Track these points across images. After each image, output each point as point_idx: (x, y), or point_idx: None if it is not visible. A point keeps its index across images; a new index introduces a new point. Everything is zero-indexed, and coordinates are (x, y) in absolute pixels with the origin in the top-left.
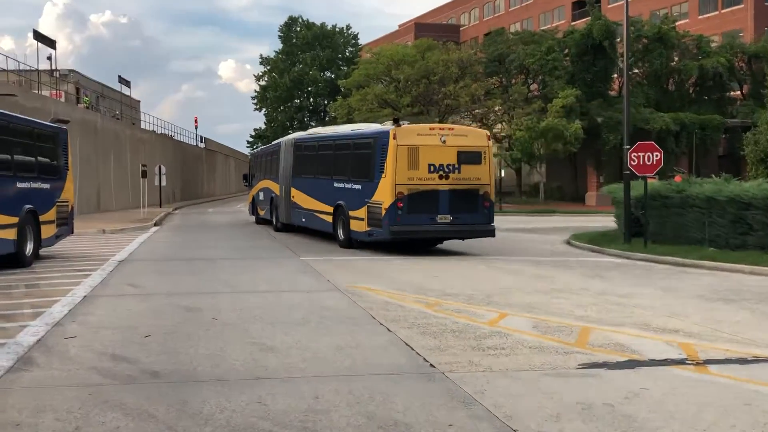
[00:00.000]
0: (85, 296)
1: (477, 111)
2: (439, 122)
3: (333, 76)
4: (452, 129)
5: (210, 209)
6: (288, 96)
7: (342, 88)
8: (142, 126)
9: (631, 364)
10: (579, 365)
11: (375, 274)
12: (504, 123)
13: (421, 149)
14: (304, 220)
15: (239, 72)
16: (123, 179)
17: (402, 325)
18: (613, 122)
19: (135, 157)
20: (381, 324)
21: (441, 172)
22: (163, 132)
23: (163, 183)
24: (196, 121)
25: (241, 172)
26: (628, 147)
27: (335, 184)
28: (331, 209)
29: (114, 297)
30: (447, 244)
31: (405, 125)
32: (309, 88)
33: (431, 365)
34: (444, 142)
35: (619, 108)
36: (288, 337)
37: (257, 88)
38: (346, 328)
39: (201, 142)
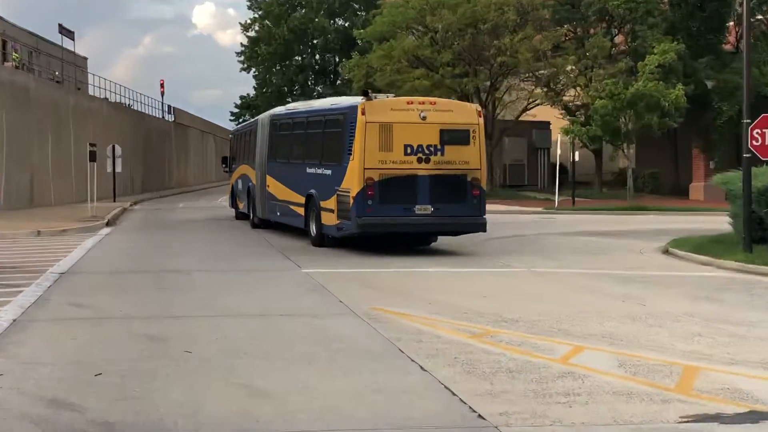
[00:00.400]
0: (14, 320)
1: (542, 72)
2: (491, 86)
3: (347, 25)
4: (434, 103)
5: (181, 203)
6: (286, 52)
7: (359, 41)
8: (91, 92)
9: (754, 417)
10: (682, 418)
11: (401, 290)
12: (579, 88)
13: (396, 127)
14: (278, 213)
15: (220, 20)
16: (65, 164)
17: (440, 361)
18: (728, 87)
19: (81, 134)
20: (412, 360)
21: (420, 155)
22: (118, 100)
23: (118, 168)
24: (162, 86)
25: (223, 154)
26: (749, 121)
27: (308, 170)
28: (303, 200)
29: (54, 322)
30: (491, 249)
31: (378, 98)
32: (314, 41)
33: (480, 416)
34: (424, 118)
35: (737, 68)
36: (287, 379)
37: (245, 42)
38: (365, 365)
39: (169, 113)
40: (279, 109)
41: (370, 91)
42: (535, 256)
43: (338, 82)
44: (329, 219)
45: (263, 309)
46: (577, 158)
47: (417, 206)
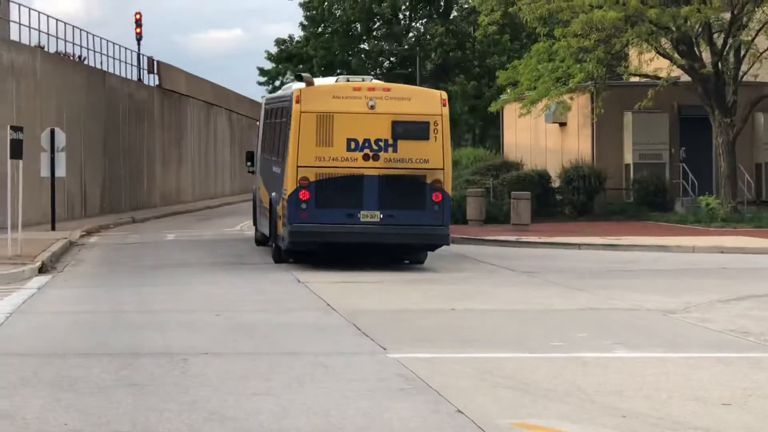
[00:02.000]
0: None
1: None
2: (732, 22)
3: None
4: (388, 90)
5: (169, 233)
6: None
7: None
8: (14, 36)
9: None
10: None
11: (554, 386)
12: None
13: (338, 118)
14: (263, 224)
15: None
16: None
17: None
18: None
19: None
20: None
21: (367, 151)
22: (61, 49)
23: (61, 172)
24: (138, 24)
25: (250, 146)
26: None
27: (273, 168)
28: (268, 205)
29: None
30: (723, 314)
31: (318, 83)
32: None
33: None
34: (373, 107)
35: None
36: None
37: None
38: None
39: (150, 71)
40: (287, 87)
41: (305, 76)
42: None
43: (453, 12)
44: (281, 228)
45: None
46: None
47: (362, 212)
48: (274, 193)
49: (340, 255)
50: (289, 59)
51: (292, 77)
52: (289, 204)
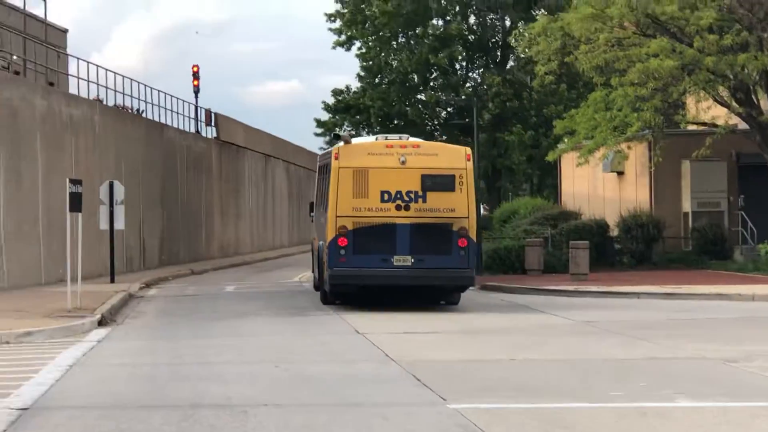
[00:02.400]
0: None
1: None
2: None
3: None
4: (417, 146)
5: (228, 285)
6: (416, 10)
7: None
8: (72, 89)
9: None
10: None
11: None
12: None
13: (373, 172)
14: (316, 270)
15: None
16: (26, 215)
17: None
18: None
19: (55, 163)
20: None
21: (399, 201)
22: (119, 102)
23: (120, 224)
24: (196, 77)
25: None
26: None
27: (321, 219)
28: (318, 252)
29: None
30: None
31: (355, 142)
32: None
33: None
34: (404, 163)
35: None
36: None
37: None
38: None
39: (209, 124)
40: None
41: (343, 133)
42: None
43: (509, 62)
44: (325, 272)
45: None
46: None
47: (395, 257)
48: (321, 242)
49: (377, 296)
50: (347, 110)
51: (346, 128)
52: (329, 250)
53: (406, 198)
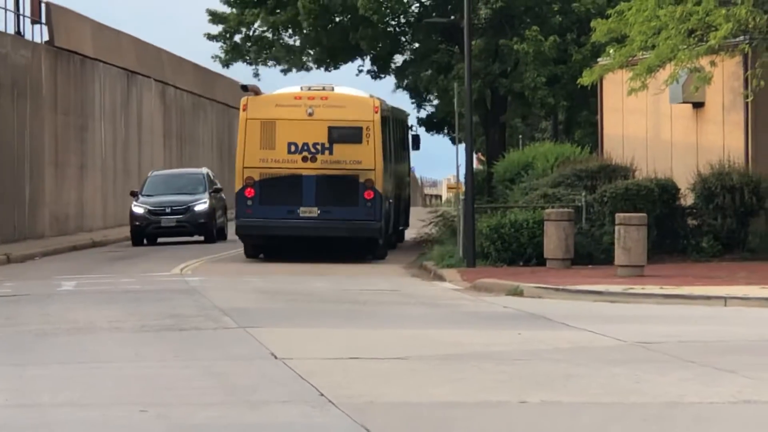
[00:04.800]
0: None
1: None
2: None
3: None
4: (326, 98)
5: (66, 281)
6: None
7: None
8: None
9: None
10: None
11: None
12: None
13: (279, 124)
14: None
15: None
16: None
17: None
18: None
19: None
20: None
21: (306, 153)
22: None
23: None
24: None
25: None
26: None
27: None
28: None
29: None
30: None
31: (264, 94)
32: None
33: None
34: (311, 114)
35: None
36: None
37: None
38: None
39: (37, 22)
40: None
41: (250, 86)
42: None
43: None
44: None
45: None
46: None
47: (302, 208)
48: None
49: (289, 247)
50: (260, 2)
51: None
52: (236, 200)
53: (313, 150)
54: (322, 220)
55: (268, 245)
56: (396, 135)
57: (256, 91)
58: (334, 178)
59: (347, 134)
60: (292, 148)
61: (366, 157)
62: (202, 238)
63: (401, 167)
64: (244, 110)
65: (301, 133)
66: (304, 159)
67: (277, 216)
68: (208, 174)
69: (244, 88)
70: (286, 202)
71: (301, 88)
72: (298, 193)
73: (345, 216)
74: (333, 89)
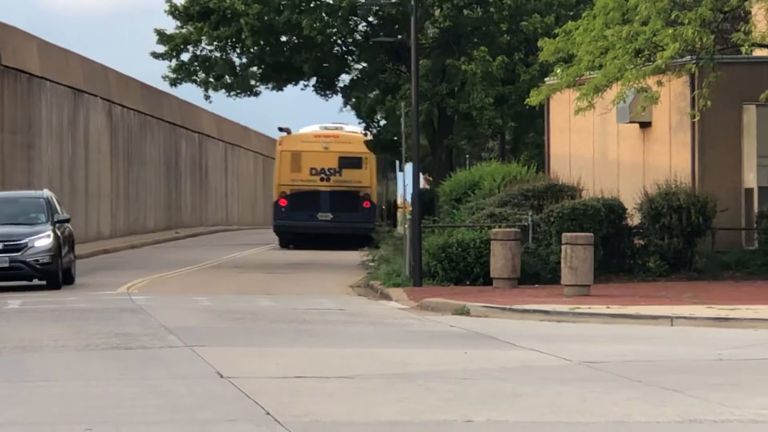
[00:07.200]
0: None
1: None
2: None
3: None
4: (337, 136)
5: (11, 299)
6: None
7: None
8: None
9: None
10: None
11: None
12: None
13: (304, 154)
14: None
15: None
16: None
17: None
18: None
19: None
20: None
21: (322, 175)
22: None
23: None
24: None
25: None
26: None
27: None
28: None
29: None
30: None
31: (293, 134)
32: None
33: None
34: (326, 148)
35: None
36: None
37: None
38: None
39: None
40: None
41: (284, 127)
42: None
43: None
44: None
45: None
46: None
47: (319, 214)
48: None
49: (308, 241)
50: (205, 16)
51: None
52: (274, 208)
53: (328, 173)
54: (333, 222)
55: (296, 240)
56: (386, 162)
57: (288, 131)
58: (343, 193)
59: (352, 162)
60: (313, 172)
61: (364, 179)
62: (43, 282)
63: (389, 185)
64: (280, 144)
65: (319, 161)
66: (321, 179)
67: (302, 219)
68: (50, 198)
69: (281, 130)
70: (309, 209)
71: (319, 128)
72: (316, 203)
73: (350, 219)
74: (342, 129)
